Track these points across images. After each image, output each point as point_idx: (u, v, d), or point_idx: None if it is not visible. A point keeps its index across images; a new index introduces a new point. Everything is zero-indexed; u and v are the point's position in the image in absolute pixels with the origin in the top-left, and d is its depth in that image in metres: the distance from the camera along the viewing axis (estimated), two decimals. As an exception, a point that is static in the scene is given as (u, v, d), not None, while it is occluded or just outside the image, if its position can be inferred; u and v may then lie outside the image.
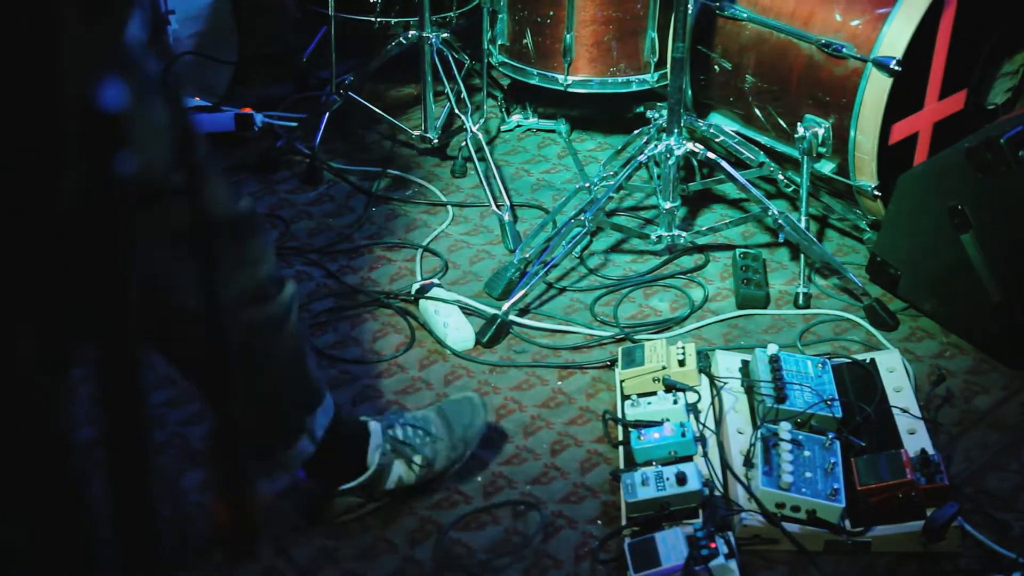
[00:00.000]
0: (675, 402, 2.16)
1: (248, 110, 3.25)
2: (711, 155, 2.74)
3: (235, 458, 0.99)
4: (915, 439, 2.12)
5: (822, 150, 2.73)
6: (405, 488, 2.08)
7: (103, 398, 0.88)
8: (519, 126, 3.35)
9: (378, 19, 3.30)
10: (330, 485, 2.05)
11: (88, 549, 1.23)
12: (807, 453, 2.02)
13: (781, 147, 2.88)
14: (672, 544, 1.89)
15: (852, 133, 2.66)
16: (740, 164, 2.84)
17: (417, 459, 2.07)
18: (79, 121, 0.73)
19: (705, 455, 2.08)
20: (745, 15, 2.85)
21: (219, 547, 0.99)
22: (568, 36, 3.02)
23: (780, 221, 2.65)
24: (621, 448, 2.15)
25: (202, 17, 3.33)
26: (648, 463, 2.06)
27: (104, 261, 0.83)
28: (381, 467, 2.04)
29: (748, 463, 2.04)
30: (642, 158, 2.75)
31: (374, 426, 2.04)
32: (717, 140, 2.86)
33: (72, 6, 0.82)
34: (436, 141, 3.18)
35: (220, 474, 0.99)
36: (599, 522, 2.08)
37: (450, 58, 3.14)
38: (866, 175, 2.69)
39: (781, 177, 2.85)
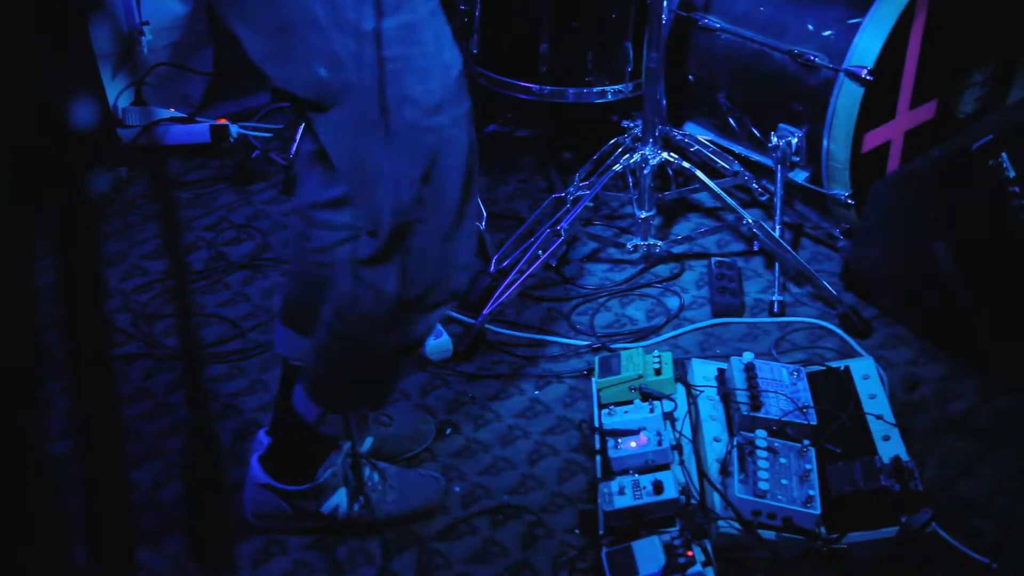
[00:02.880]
0: (651, 411, 2.17)
1: (224, 121, 3.24)
2: (686, 164, 2.75)
3: (212, 471, 0.99)
4: (889, 445, 2.13)
5: (796, 159, 2.75)
6: (336, 521, 2.04)
7: (78, 411, 0.88)
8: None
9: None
10: None
11: (63, 562, 1.22)
12: (783, 460, 2.03)
13: (755, 156, 2.90)
14: (649, 553, 1.90)
15: (825, 142, 2.68)
16: (715, 173, 2.86)
17: (361, 498, 2.04)
18: (54, 140, 0.73)
19: (682, 463, 2.09)
20: (719, 25, 2.87)
21: (195, 560, 0.99)
22: (543, 46, 3.03)
23: (755, 229, 2.67)
24: (598, 457, 2.15)
25: (177, 28, 3.33)
26: (625, 472, 2.06)
27: (79, 276, 0.83)
28: (325, 485, 2.01)
29: (724, 471, 2.05)
30: (617, 167, 2.76)
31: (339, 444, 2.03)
32: (692, 149, 2.87)
33: (43, 27, 0.82)
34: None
35: (197, 487, 0.99)
36: (577, 531, 2.08)
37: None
38: (839, 183, 2.71)
39: (755, 186, 2.87)
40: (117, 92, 3.21)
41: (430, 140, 1.67)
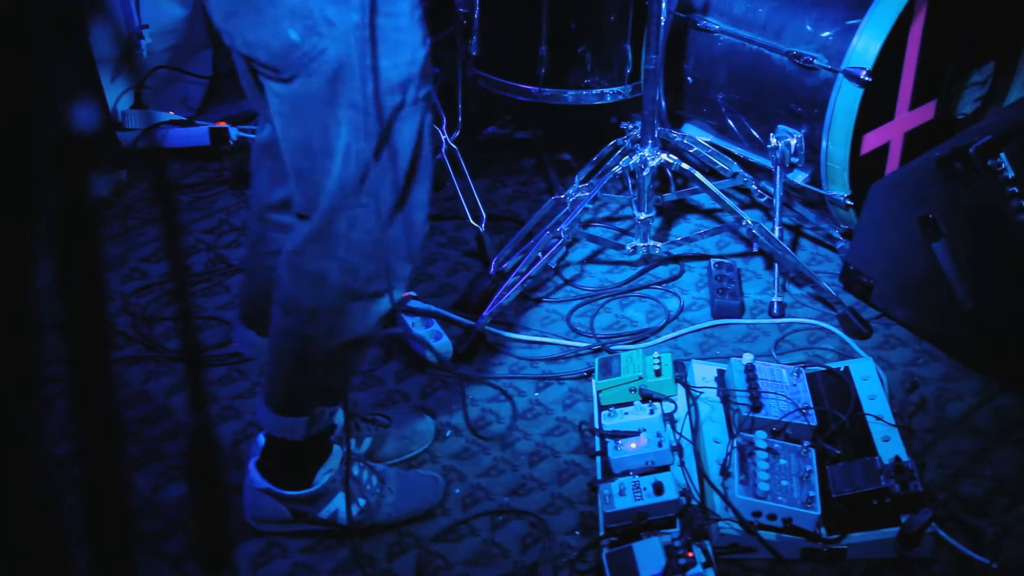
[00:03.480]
0: (651, 412, 2.17)
1: (223, 124, 3.24)
2: (685, 166, 2.75)
3: (211, 473, 0.99)
4: (889, 446, 2.13)
5: (795, 160, 2.75)
6: (335, 525, 2.04)
7: (78, 413, 0.88)
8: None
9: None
10: None
11: (63, 565, 1.22)
12: (783, 461, 2.03)
13: (754, 157, 2.90)
14: (650, 554, 1.90)
15: (824, 143, 2.68)
16: (714, 174, 2.86)
17: (360, 501, 2.04)
18: (54, 143, 0.73)
19: (682, 465, 2.09)
20: (717, 26, 2.87)
21: (195, 563, 0.99)
22: (542, 48, 3.03)
23: (754, 231, 2.67)
24: (598, 458, 2.15)
25: (176, 31, 3.33)
26: (625, 473, 2.06)
27: (79, 279, 0.83)
28: (324, 490, 2.01)
29: (724, 472, 2.05)
30: (617, 169, 2.76)
31: (336, 449, 2.02)
32: (691, 151, 2.87)
33: (43, 27, 0.82)
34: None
35: (196, 490, 0.99)
36: (577, 532, 2.09)
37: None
38: (838, 184, 2.71)
39: (755, 187, 2.87)
40: (117, 95, 3.21)
41: (385, 117, 1.63)
